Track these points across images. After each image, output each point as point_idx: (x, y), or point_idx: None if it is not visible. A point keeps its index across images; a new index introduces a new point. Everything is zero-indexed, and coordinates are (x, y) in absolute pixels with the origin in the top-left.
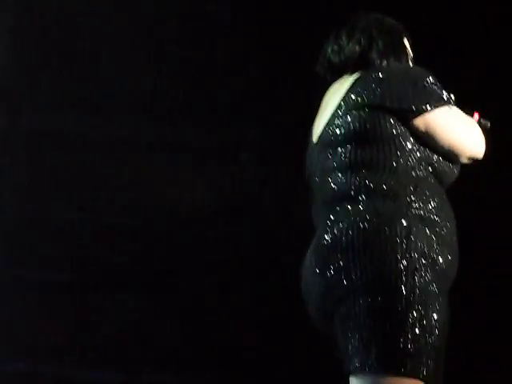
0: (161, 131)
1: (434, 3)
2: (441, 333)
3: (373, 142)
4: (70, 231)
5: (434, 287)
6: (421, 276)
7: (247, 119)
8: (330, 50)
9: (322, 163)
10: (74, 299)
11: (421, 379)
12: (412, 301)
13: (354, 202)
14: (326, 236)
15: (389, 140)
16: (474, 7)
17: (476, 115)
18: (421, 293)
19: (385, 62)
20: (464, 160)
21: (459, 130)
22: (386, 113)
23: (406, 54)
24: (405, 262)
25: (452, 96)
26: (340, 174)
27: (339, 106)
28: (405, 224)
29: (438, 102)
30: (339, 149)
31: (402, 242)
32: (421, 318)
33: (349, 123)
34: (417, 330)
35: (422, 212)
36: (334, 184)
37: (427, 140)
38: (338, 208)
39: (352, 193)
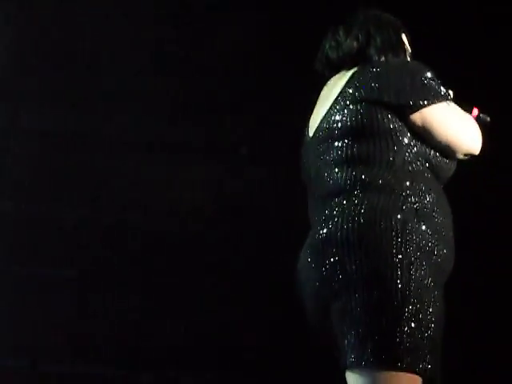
0: (161, 131)
1: (433, 3)
2: (437, 327)
3: (370, 136)
4: (70, 231)
5: (429, 281)
6: (416, 270)
7: (247, 119)
8: (327, 46)
9: (318, 158)
10: (74, 298)
11: (417, 373)
12: (408, 295)
13: (350, 196)
14: (321, 230)
15: (386, 135)
16: (474, 7)
17: (475, 110)
18: (416, 287)
19: (383, 57)
20: (460, 156)
21: (456, 126)
22: (383, 107)
23: (404, 49)
24: (400, 256)
25: (450, 92)
26: (336, 169)
27: (336, 101)
28: (400, 218)
29: (436, 98)
30: (336, 143)
31: (397, 235)
32: (417, 311)
33: (346, 117)
34: (413, 324)
35: (417, 206)
36: (330, 179)
37: (424, 135)
38: (333, 202)
39: (348, 187)
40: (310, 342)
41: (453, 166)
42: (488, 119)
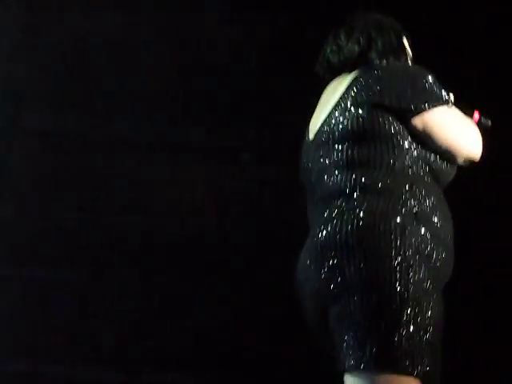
0: (161, 131)
1: (434, 3)
2: (435, 330)
3: (370, 139)
4: (70, 231)
5: (428, 285)
6: (415, 273)
7: (247, 119)
8: (329, 50)
9: (318, 160)
10: (74, 299)
11: (415, 377)
12: (406, 298)
13: (349, 199)
14: (320, 233)
15: (386, 138)
16: (474, 7)
17: (476, 114)
18: (415, 290)
19: (384, 61)
20: (460, 161)
21: (457, 131)
22: (384, 111)
23: (406, 53)
24: (399, 259)
25: (451, 96)
26: (336, 172)
27: (338, 104)
28: (399, 221)
29: (437, 102)
30: (336, 146)
31: (395, 239)
32: (415, 315)
33: (347, 120)
34: (411, 328)
35: (417, 210)
36: (329, 181)
37: (425, 139)
38: (333, 205)
39: (347, 190)
40: (309, 342)
41: (453, 171)
42: (489, 123)
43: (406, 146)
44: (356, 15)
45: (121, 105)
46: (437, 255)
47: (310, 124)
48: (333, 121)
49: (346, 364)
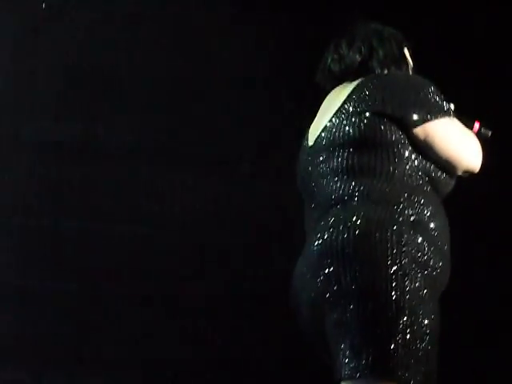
0: (160, 133)
1: (434, 4)
2: (432, 338)
3: (371, 148)
4: (71, 235)
5: (424, 293)
6: (411, 281)
7: (247, 119)
8: (330, 59)
9: (317, 167)
10: (74, 300)
11: None
12: (402, 306)
13: (347, 207)
14: (316, 241)
15: (387, 147)
16: (474, 7)
17: (477, 124)
18: (411, 298)
19: (385, 70)
20: (460, 171)
21: (458, 142)
22: (385, 120)
23: (407, 63)
24: (395, 268)
25: (452, 106)
26: (336, 178)
27: (339, 111)
28: (396, 230)
29: (439, 113)
30: (336, 153)
31: (392, 247)
32: (411, 323)
33: (348, 128)
34: (407, 336)
35: (414, 219)
36: (328, 188)
37: (425, 149)
38: (330, 212)
39: (346, 197)
40: (306, 351)
41: (452, 182)
42: (489, 133)
43: (406, 155)
44: (357, 24)
45: (121, 108)
46: (433, 264)
47: (310, 130)
48: (334, 128)
49: (342, 372)
